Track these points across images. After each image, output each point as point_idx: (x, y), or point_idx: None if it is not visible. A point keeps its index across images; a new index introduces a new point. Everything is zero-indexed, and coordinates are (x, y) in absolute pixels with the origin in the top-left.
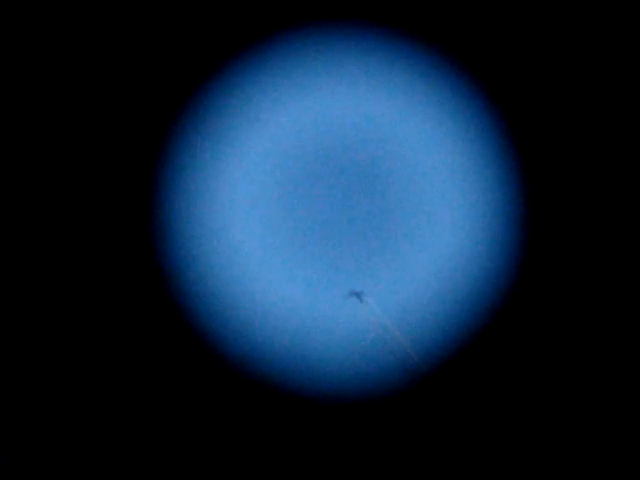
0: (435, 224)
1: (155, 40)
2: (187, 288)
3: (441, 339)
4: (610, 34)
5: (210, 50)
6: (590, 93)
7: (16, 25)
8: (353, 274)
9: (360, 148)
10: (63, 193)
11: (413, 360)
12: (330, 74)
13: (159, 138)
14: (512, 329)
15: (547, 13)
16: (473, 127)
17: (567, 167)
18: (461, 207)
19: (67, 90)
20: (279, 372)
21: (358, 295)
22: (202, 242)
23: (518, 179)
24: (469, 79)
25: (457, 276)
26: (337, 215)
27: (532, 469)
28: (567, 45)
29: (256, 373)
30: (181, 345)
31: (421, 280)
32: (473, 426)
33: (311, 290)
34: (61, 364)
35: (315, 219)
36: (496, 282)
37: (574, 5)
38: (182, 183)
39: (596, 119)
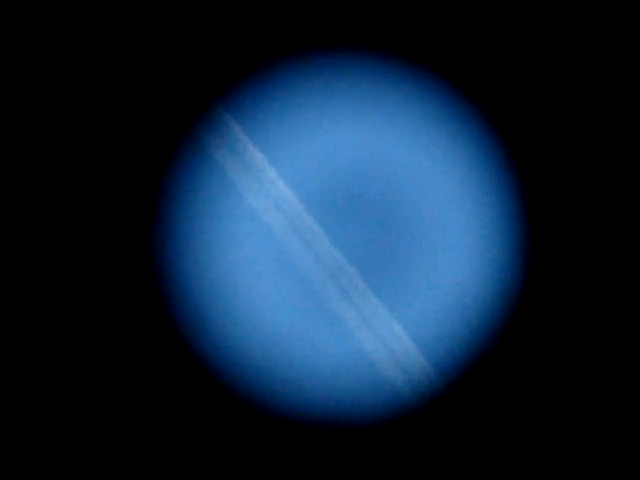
0: (439, 240)
1: (161, 55)
2: (185, 304)
3: (452, 354)
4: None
5: (214, 73)
6: (591, 109)
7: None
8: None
9: (362, 171)
10: (67, 198)
11: (426, 377)
12: (329, 100)
13: (167, 152)
14: (522, 340)
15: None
16: (472, 147)
17: (570, 179)
18: (464, 223)
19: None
20: (284, 393)
21: None
22: (205, 258)
23: (520, 194)
24: (469, 102)
25: (464, 291)
26: (341, 233)
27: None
28: (564, 58)
29: (264, 394)
30: (176, 357)
31: (429, 296)
32: (490, 446)
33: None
34: (56, 364)
35: (321, 238)
36: (504, 295)
37: (570, 21)
38: (189, 198)
39: (599, 137)
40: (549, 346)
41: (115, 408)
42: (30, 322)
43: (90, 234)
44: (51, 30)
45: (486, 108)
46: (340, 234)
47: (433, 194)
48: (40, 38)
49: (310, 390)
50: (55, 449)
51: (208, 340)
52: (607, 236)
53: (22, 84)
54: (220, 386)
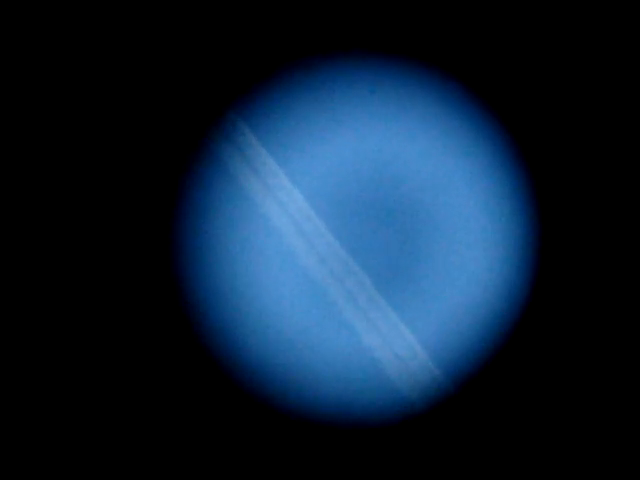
0: (448, 245)
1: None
2: (200, 305)
3: (460, 358)
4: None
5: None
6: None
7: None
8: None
9: (374, 178)
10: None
11: (434, 380)
12: (337, 106)
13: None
14: (531, 344)
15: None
16: (484, 152)
17: (580, 185)
18: (474, 228)
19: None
20: (292, 393)
21: None
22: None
23: (532, 203)
24: (481, 106)
25: (473, 296)
26: (350, 239)
27: None
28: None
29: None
30: (188, 357)
31: (438, 300)
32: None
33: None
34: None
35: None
36: (513, 301)
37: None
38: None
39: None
40: (558, 350)
41: (126, 404)
42: (45, 319)
43: (108, 238)
44: (73, 45)
45: (497, 112)
46: (350, 239)
47: (443, 198)
48: (64, 56)
49: (318, 391)
50: (72, 438)
51: (218, 341)
52: (616, 239)
53: (44, 105)
54: (229, 385)
